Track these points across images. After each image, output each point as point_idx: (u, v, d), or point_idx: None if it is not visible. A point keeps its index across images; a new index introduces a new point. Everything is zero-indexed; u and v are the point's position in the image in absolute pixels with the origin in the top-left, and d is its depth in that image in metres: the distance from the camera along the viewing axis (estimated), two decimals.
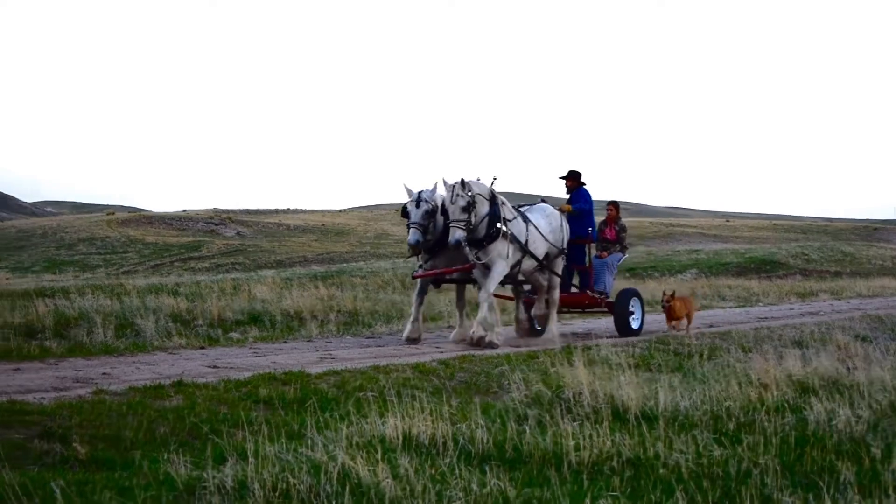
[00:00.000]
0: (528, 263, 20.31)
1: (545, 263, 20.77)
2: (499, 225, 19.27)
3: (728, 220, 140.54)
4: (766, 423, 10.31)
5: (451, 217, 18.93)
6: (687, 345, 18.65)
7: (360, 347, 18.73)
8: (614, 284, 23.51)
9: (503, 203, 19.76)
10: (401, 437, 9.49)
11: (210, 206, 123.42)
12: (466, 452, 9.18)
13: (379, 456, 8.23)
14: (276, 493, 7.68)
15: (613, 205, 23.38)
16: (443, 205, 19.53)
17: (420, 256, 20.81)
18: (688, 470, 8.76)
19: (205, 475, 7.82)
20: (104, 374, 14.44)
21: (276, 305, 24.21)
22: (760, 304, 34.96)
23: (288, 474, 7.80)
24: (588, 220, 22.34)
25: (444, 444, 9.29)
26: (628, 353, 16.24)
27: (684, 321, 22.15)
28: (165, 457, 8.78)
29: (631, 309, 22.21)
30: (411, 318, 20.27)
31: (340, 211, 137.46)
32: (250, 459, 8.14)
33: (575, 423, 10.06)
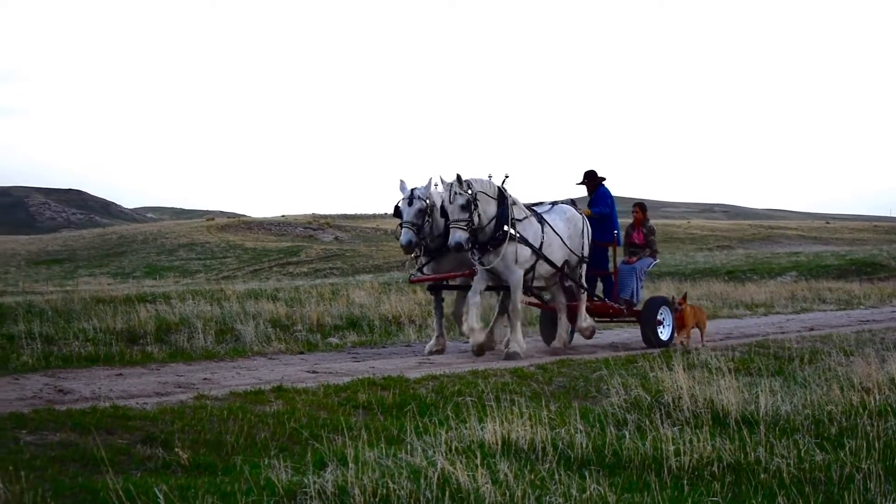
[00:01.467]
0: (544, 269, 18.83)
1: (566, 271, 19.39)
2: (506, 227, 17.76)
3: (828, 223, 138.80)
4: (868, 428, 10.15)
5: (451, 217, 17.53)
6: (787, 348, 18.40)
7: (458, 352, 18.72)
8: (643, 291, 21.98)
9: (514, 203, 18.27)
10: (500, 442, 9.48)
11: (308, 212, 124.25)
12: (566, 457, 9.16)
13: (478, 461, 8.22)
14: (377, 499, 7.71)
15: (639, 206, 21.92)
16: (442, 205, 18.17)
17: (418, 259, 19.32)
18: (789, 475, 8.68)
19: (305, 480, 7.86)
20: (205, 379, 14.60)
21: (375, 310, 24.24)
22: (862, 306, 34.34)
23: (388, 480, 7.82)
24: (610, 223, 20.94)
25: (544, 448, 9.27)
26: (728, 357, 16.09)
27: (688, 333, 20.12)
28: (266, 462, 8.87)
29: (659, 318, 20.55)
30: (435, 334, 19.06)
31: None
32: (350, 465, 8.15)
33: (675, 428, 10.01)
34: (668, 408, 11.33)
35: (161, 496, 7.06)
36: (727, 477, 8.71)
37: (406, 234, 18.19)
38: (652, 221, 22.06)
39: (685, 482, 8.58)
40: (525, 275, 18.29)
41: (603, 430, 9.96)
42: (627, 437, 9.61)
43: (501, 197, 17.97)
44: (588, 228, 19.96)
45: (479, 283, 18.10)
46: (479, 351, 18.15)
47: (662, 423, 10.29)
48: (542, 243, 18.48)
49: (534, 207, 19.28)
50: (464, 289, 19.25)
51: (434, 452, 8.70)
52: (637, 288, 21.03)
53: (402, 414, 11.59)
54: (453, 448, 9.07)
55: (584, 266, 19.90)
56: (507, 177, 18.45)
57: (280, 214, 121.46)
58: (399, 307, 24.64)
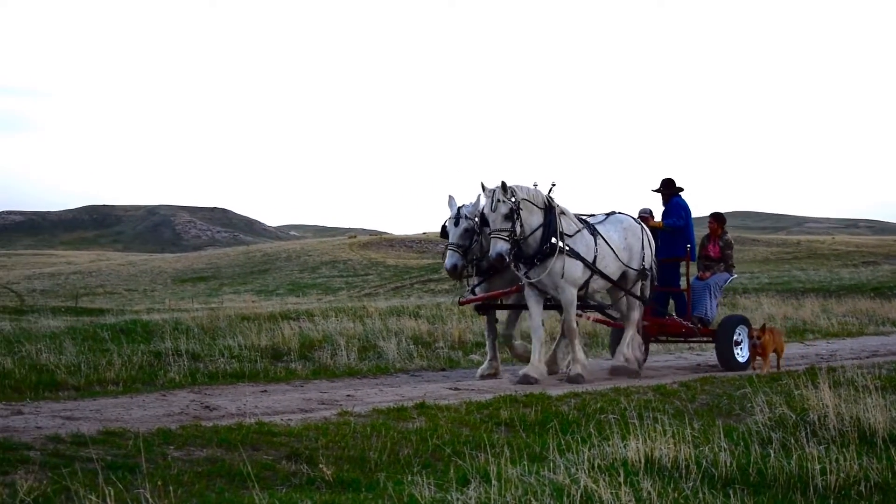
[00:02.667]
0: (599, 283, 17.76)
1: (623, 285, 18.09)
2: (554, 240, 16.53)
3: None
4: None
5: (493, 227, 16.28)
6: None
7: (600, 370, 18.66)
8: (717, 309, 20.65)
9: (562, 213, 17.02)
10: (643, 460, 9.40)
11: None
12: (709, 476, 9.05)
13: (621, 479, 8.15)
14: None
15: (715, 218, 20.36)
16: (482, 215, 16.88)
17: (469, 280, 18.09)
18: None
19: (448, 497, 7.87)
20: (348, 395, 14.76)
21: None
22: None
23: (531, 497, 7.81)
24: (684, 236, 19.75)
25: (687, 467, 9.16)
26: (874, 375, 15.76)
27: (767, 361, 18.45)
28: (409, 478, 8.88)
29: (737, 338, 19.25)
30: (488, 357, 17.76)
31: None
32: (493, 482, 8.16)
33: (820, 447, 9.81)
34: (813, 426, 11.11)
35: None
36: (875, 496, 8.53)
37: (451, 258, 17.06)
38: (729, 234, 20.81)
39: (831, 501, 8.42)
40: (578, 290, 17.22)
41: (747, 449, 9.82)
42: (772, 455, 9.46)
43: (548, 207, 16.86)
44: (650, 239, 18.65)
45: (535, 310, 17.07)
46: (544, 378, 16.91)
47: (808, 441, 10.10)
48: (595, 257, 17.26)
49: (586, 218, 18.03)
50: (515, 308, 18.39)
51: (577, 470, 8.64)
52: (711, 305, 19.87)
53: (544, 431, 11.56)
54: (596, 466, 9.00)
55: (648, 280, 18.61)
56: (553, 185, 17.17)
57: (421, 232, 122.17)
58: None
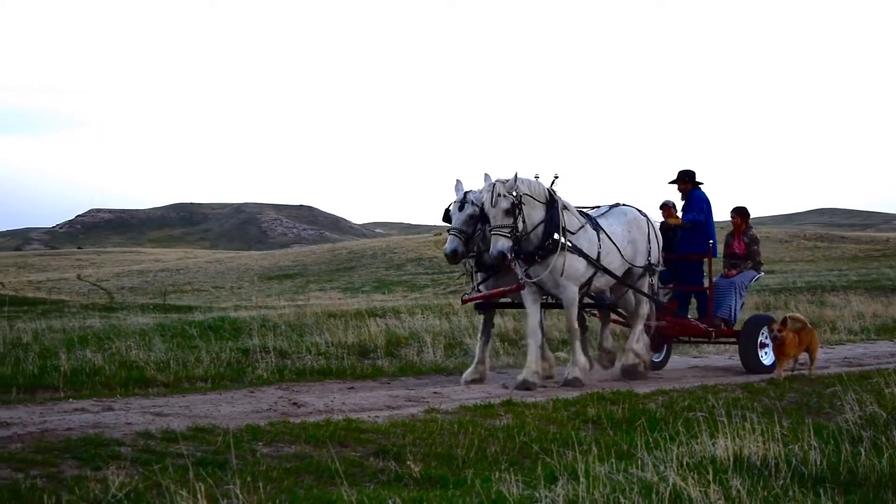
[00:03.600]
0: (602, 281, 16.74)
1: (628, 281, 17.23)
2: (556, 236, 15.66)
3: None
4: None
5: (493, 223, 15.37)
6: None
7: (688, 367, 18.54)
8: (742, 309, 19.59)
9: (565, 208, 16.10)
10: (732, 458, 9.31)
11: None
12: (799, 474, 8.95)
13: (710, 477, 8.10)
14: None
15: (738, 212, 19.21)
16: (482, 209, 15.89)
17: (475, 276, 17.29)
18: None
19: (537, 494, 7.85)
20: (435, 392, 14.80)
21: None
22: None
23: (619, 495, 7.77)
24: (705, 232, 18.63)
25: (777, 465, 9.07)
26: None
27: (792, 361, 17.23)
28: (497, 475, 8.88)
29: (762, 339, 18.23)
30: (475, 360, 16.75)
31: None
32: (581, 479, 8.13)
33: None
34: None
35: None
36: None
37: (452, 243, 16.03)
38: (754, 229, 19.51)
39: None
40: (582, 287, 16.36)
41: (837, 447, 9.69)
42: (863, 454, 9.34)
43: (551, 200, 15.92)
44: (656, 233, 17.75)
45: (532, 309, 16.10)
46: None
47: None
48: (599, 253, 16.37)
49: (587, 212, 17.12)
50: (516, 307, 17.68)
51: (665, 468, 8.58)
52: (736, 305, 18.78)
53: (631, 429, 11.51)
54: (684, 464, 8.95)
55: (655, 276, 17.73)
56: (556, 177, 16.31)
57: None
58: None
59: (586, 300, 17.22)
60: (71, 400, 13.83)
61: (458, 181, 16.64)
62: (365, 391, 14.96)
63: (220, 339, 20.98)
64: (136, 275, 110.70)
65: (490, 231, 15.51)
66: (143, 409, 12.76)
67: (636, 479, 8.44)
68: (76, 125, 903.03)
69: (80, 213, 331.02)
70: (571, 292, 15.99)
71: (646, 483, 8.23)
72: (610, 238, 16.65)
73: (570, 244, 15.81)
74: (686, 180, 18.91)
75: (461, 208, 16.22)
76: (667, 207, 19.46)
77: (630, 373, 17.18)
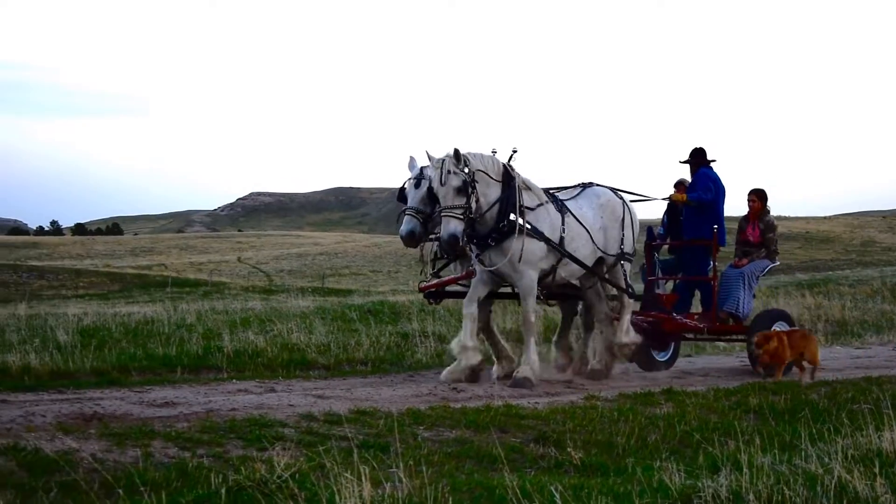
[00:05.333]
0: (568, 270, 15.00)
1: (599, 272, 15.56)
2: (512, 216, 14.03)
3: None
4: None
5: (443, 203, 13.74)
6: None
7: (850, 358, 18.23)
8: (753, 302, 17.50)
9: (525, 186, 14.50)
10: None
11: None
12: None
13: (876, 470, 7.96)
14: None
15: (757, 194, 17.23)
16: (430, 188, 14.24)
17: (431, 263, 15.96)
18: None
19: (699, 484, 7.78)
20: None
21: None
22: None
23: (783, 486, 7.66)
24: (711, 215, 16.76)
25: None
26: None
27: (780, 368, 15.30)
28: (658, 464, 8.84)
29: None
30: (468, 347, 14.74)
31: (825, 218, 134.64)
32: (744, 469, 8.04)
33: None
34: None
35: (557, 495, 7.13)
36: None
37: (408, 223, 14.37)
38: (772, 214, 17.50)
39: None
40: (544, 277, 14.76)
41: None
42: None
43: (507, 177, 14.33)
44: (633, 217, 15.96)
45: (477, 288, 14.56)
46: (472, 377, 14.57)
47: None
48: (562, 237, 14.67)
49: (554, 192, 15.42)
50: (511, 297, 16.08)
51: (830, 460, 8.44)
52: (745, 298, 16.73)
53: (794, 419, 11.34)
54: (849, 456, 8.79)
55: (629, 265, 16.01)
56: (514, 151, 14.64)
57: None
58: (788, 311, 24.12)
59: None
60: (234, 381, 14.14)
61: (411, 157, 14.98)
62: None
63: (380, 322, 21.24)
64: (294, 258, 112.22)
65: (440, 212, 13.87)
66: (305, 391, 13.00)
67: (800, 470, 8.30)
68: (238, 110, 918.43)
69: (241, 196, 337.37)
70: (529, 279, 14.35)
71: (810, 475, 8.10)
72: (580, 222, 15.03)
73: (528, 225, 14.19)
74: (697, 158, 17.33)
75: (417, 185, 14.63)
76: (681, 185, 17.79)
77: (596, 374, 15.34)
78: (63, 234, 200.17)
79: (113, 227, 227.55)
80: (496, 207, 14.05)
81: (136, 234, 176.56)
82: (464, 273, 15.10)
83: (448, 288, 15.81)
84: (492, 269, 14.20)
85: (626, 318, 15.79)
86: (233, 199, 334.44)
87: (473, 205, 13.81)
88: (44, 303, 45.94)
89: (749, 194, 17.26)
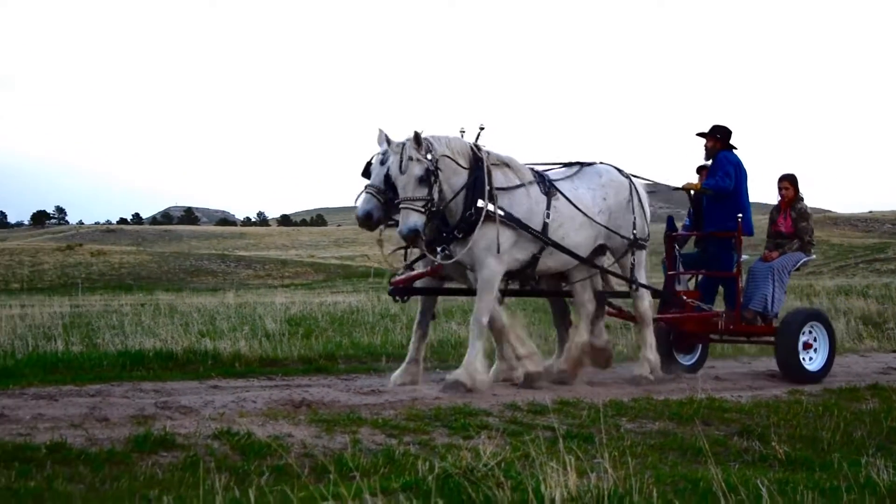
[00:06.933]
0: (554, 260, 13.14)
1: (596, 262, 13.75)
2: (480, 203, 12.30)
3: None
4: None
5: (403, 194, 12.04)
6: None
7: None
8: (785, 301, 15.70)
9: (503, 164, 12.85)
10: None
11: None
12: None
13: None
14: None
15: (789, 180, 15.49)
16: (387, 176, 12.46)
17: (405, 252, 13.77)
18: None
19: None
20: None
21: None
22: None
23: None
24: (736, 203, 14.96)
25: None
26: None
27: None
28: (864, 460, 8.74)
29: (807, 339, 14.65)
30: (407, 358, 13.39)
31: None
32: None
33: None
34: None
35: (763, 489, 7.10)
36: None
37: (367, 203, 12.67)
38: (805, 202, 15.59)
39: None
40: (524, 269, 13.07)
41: None
42: None
43: (475, 160, 12.60)
44: (642, 199, 14.12)
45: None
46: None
47: None
48: (545, 222, 12.86)
49: (546, 170, 13.70)
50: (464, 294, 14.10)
51: None
52: (774, 295, 14.93)
53: None
54: None
55: (643, 253, 14.06)
56: (482, 129, 12.93)
57: (867, 210, 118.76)
58: None
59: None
60: (438, 370, 14.33)
61: (380, 131, 12.86)
62: (726, 370, 15.07)
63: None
64: None
65: (399, 204, 12.20)
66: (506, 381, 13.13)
67: None
68: None
69: None
70: (490, 271, 12.48)
71: None
72: (573, 203, 13.21)
73: (501, 211, 12.47)
74: (718, 137, 15.33)
75: (383, 163, 12.76)
76: (704, 170, 15.81)
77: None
78: (269, 225, 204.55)
79: (317, 218, 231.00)
80: (462, 195, 12.40)
81: (339, 226, 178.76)
82: (430, 269, 13.33)
83: (416, 284, 13.77)
84: (455, 259, 12.40)
85: (647, 327, 14.18)
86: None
87: (436, 195, 12.20)
88: (251, 292, 47.15)
89: (780, 181, 15.60)
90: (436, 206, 12.18)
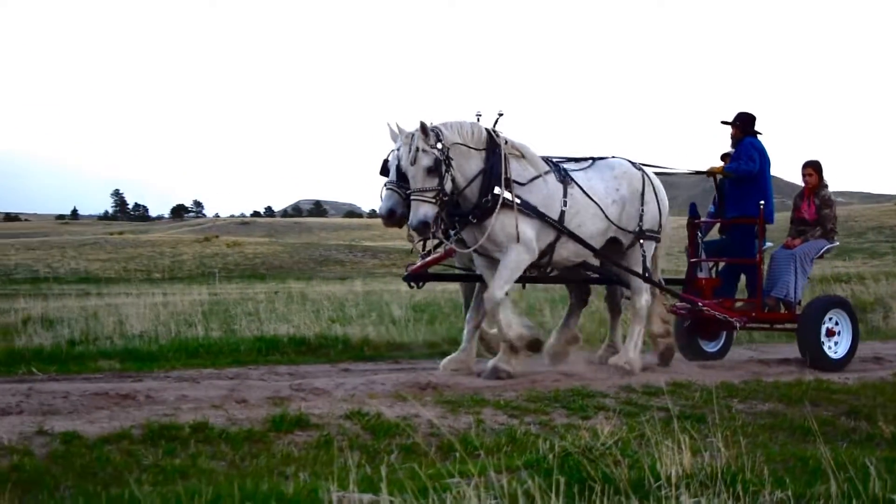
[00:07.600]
0: (570, 249, 12.84)
1: (610, 256, 13.39)
2: (497, 190, 12.01)
3: None
4: None
5: (413, 185, 11.74)
6: None
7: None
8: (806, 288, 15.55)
9: (518, 154, 12.48)
10: None
11: None
12: None
13: None
14: None
15: (812, 167, 15.14)
16: (398, 167, 12.16)
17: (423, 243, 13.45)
18: None
19: None
20: None
21: None
22: None
23: None
24: (758, 189, 14.60)
25: None
26: None
27: None
28: None
29: (830, 326, 14.38)
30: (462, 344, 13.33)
31: None
32: None
33: None
34: None
35: (871, 467, 7.12)
36: None
37: (388, 200, 12.32)
38: (829, 189, 15.29)
39: None
40: (540, 258, 12.66)
41: None
42: None
43: (492, 145, 12.30)
44: (657, 191, 13.83)
45: (488, 277, 12.65)
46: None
47: None
48: (562, 212, 12.59)
49: (559, 161, 13.27)
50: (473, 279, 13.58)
51: None
52: (796, 283, 14.62)
53: None
54: None
55: (653, 246, 13.87)
56: (500, 115, 12.62)
57: None
58: None
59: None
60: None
61: (390, 126, 12.51)
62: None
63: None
64: None
65: (410, 195, 11.89)
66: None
67: None
68: None
69: None
70: (515, 254, 12.25)
71: None
72: (588, 194, 12.93)
73: (518, 199, 12.20)
74: (743, 124, 15.05)
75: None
76: (728, 158, 15.39)
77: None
78: None
79: None
80: (478, 181, 12.10)
81: None
82: (443, 253, 13.53)
83: (431, 270, 13.84)
84: (473, 248, 12.29)
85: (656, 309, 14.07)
86: None
87: (449, 185, 11.86)
88: (377, 280, 47.54)
89: (804, 167, 15.25)
90: (448, 195, 11.86)
